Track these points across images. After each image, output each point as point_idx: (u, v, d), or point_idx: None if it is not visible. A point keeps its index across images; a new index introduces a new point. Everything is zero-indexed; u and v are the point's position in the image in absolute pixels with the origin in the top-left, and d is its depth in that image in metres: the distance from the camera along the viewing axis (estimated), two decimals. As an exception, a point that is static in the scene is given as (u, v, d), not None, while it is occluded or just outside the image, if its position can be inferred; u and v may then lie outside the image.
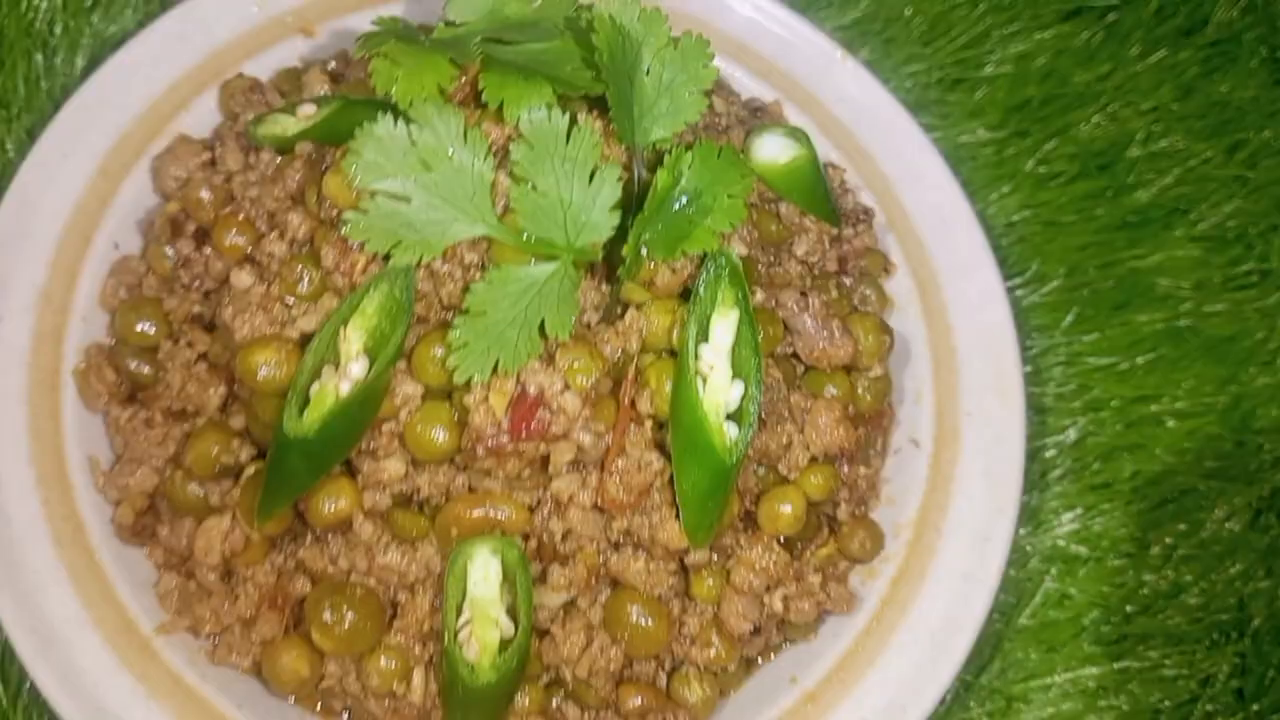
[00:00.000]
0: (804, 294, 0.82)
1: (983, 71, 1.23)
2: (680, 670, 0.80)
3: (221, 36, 0.93)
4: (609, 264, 0.73)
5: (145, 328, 0.81)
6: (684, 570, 0.79)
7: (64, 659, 0.74)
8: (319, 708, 0.79)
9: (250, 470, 0.75)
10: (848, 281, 0.89)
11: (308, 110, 0.80)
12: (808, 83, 1.00)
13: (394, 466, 0.72)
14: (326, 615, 0.73)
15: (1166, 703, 1.00)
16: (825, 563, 0.85)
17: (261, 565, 0.76)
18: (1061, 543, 1.04)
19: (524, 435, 0.70)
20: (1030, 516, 1.04)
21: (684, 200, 0.72)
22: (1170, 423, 1.10)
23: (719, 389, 0.73)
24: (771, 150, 0.86)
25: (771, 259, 0.85)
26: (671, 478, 0.74)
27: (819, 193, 0.87)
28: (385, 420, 0.72)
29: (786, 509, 0.79)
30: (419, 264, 0.69)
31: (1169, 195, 1.21)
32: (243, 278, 0.75)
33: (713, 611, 0.79)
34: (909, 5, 1.24)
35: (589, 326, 0.73)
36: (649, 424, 0.75)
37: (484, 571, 0.72)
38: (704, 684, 0.80)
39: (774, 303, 0.81)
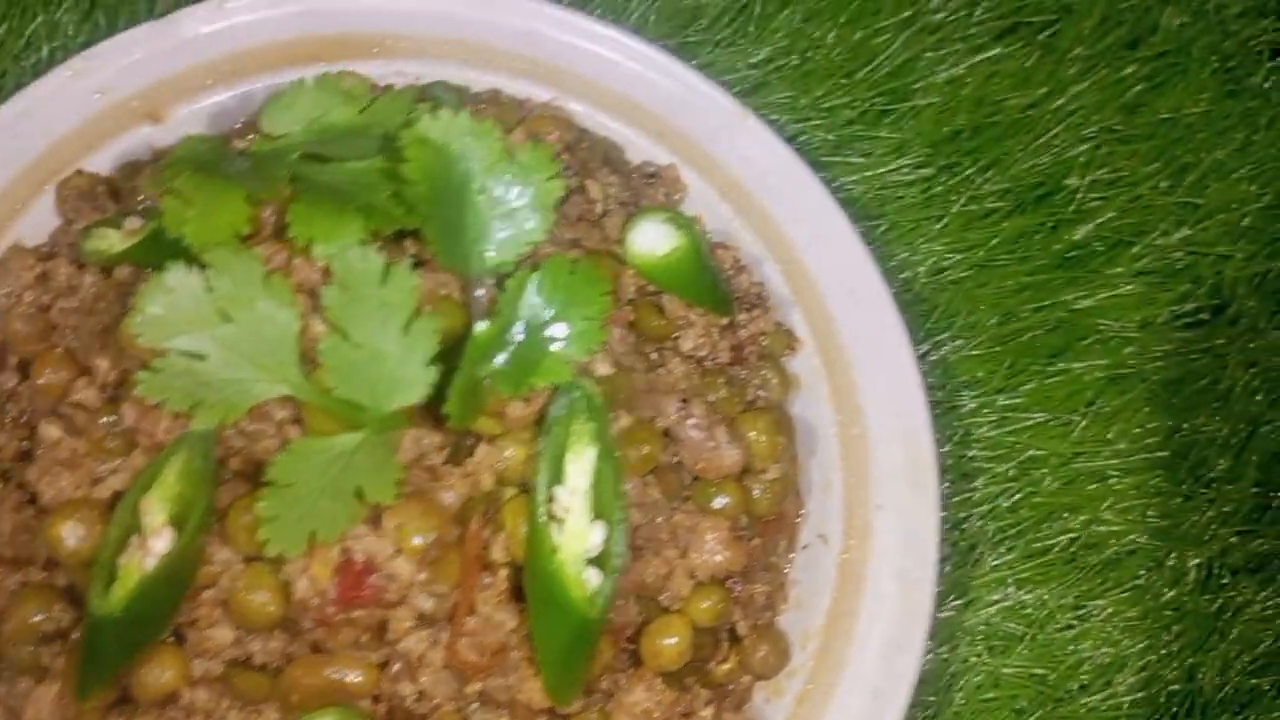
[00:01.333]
0: (685, 401, 0.75)
1: (910, 102, 1.15)
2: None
3: (61, 129, 0.86)
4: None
5: (-26, 465, 0.75)
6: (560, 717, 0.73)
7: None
8: None
9: (75, 635, 0.69)
10: (743, 373, 0.82)
11: (133, 224, 0.73)
12: (706, 144, 0.92)
13: (222, 635, 0.66)
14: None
15: (1110, 792, 0.94)
16: (726, 679, 0.79)
17: (96, 726, 0.70)
18: (996, 619, 0.98)
19: (354, 604, 0.64)
20: (961, 593, 0.98)
21: (534, 323, 0.65)
22: (1113, 479, 1.04)
23: (577, 535, 0.66)
24: (649, 240, 0.79)
25: (654, 357, 0.78)
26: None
27: (705, 282, 0.80)
28: (205, 588, 0.66)
29: (671, 642, 0.73)
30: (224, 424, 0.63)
31: (1111, 227, 1.13)
32: (51, 431, 0.68)
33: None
34: (830, 32, 1.16)
35: (431, 471, 0.66)
36: (504, 573, 0.68)
37: (328, 744, 0.66)
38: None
39: (654, 411, 0.75)
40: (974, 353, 1.06)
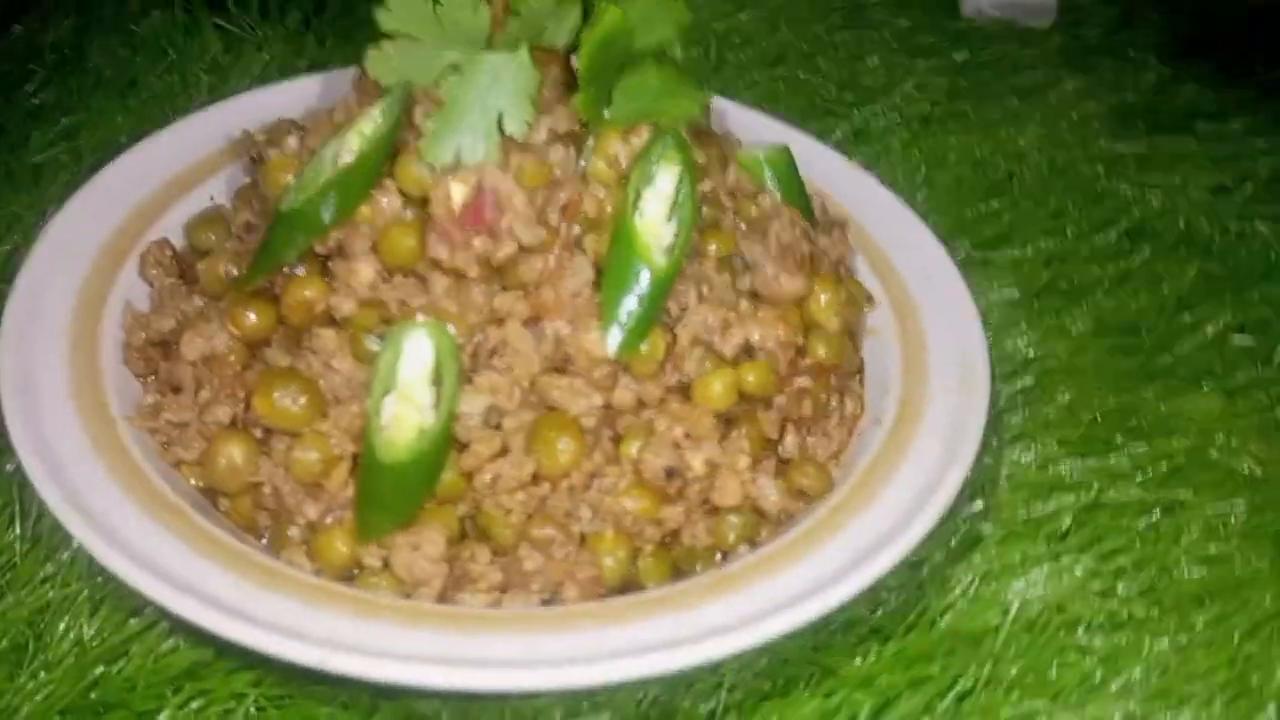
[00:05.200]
0: (764, 233, 0.91)
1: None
2: (599, 532, 0.80)
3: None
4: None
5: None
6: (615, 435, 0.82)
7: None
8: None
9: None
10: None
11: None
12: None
13: (365, 271, 0.82)
14: (276, 390, 0.80)
15: None
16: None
17: (233, 365, 0.84)
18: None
19: (473, 225, 0.80)
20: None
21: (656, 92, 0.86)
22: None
23: (655, 221, 0.82)
24: (753, 151, 1.00)
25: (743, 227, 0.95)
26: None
27: (793, 185, 0.99)
28: (363, 224, 0.84)
29: (717, 385, 0.83)
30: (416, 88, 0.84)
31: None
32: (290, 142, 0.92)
33: (634, 467, 0.81)
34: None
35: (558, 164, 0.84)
36: (593, 255, 0.83)
37: (416, 351, 0.78)
38: (620, 546, 0.79)
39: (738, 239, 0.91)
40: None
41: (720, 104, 1.15)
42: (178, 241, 0.99)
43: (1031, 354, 1.20)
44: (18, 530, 0.90)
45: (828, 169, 1.13)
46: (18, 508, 0.91)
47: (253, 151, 0.99)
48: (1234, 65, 1.63)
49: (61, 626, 0.85)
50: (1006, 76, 1.60)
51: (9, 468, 0.93)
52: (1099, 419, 1.14)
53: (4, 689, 0.82)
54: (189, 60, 1.43)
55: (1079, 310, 1.27)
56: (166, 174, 1.02)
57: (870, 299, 1.03)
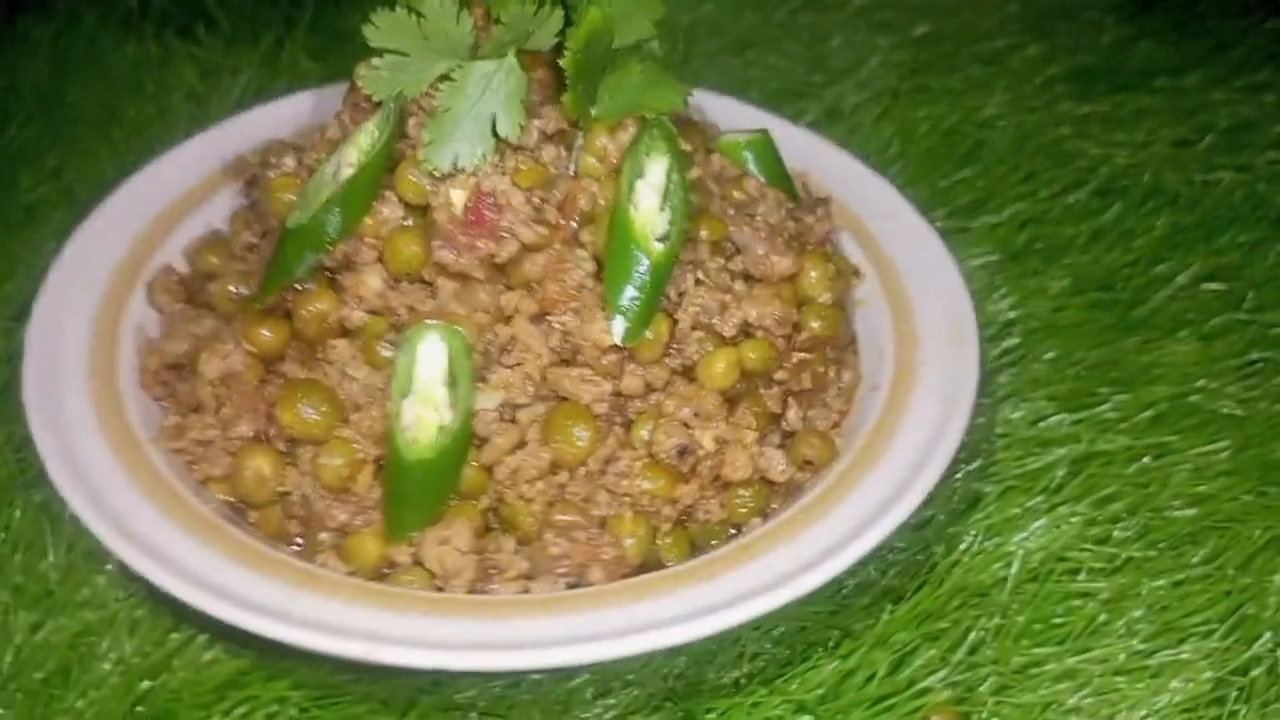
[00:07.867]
0: (752, 215, 0.94)
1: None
2: (618, 514, 0.83)
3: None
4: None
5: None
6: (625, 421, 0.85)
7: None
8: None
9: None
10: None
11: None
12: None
13: (372, 280, 0.85)
14: (298, 401, 0.83)
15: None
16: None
17: (251, 381, 0.87)
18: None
19: (477, 228, 0.82)
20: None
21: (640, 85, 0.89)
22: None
23: (650, 212, 0.85)
24: (734, 137, 1.03)
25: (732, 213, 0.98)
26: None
27: (775, 167, 1.02)
28: (367, 236, 0.86)
29: (720, 365, 0.87)
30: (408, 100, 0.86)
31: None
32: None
33: (647, 449, 0.84)
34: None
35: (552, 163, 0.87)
36: (591, 247, 0.86)
37: (430, 354, 0.81)
38: (639, 526, 0.82)
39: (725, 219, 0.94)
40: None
41: (695, 95, 1.18)
42: (180, 266, 1.01)
43: (1014, 315, 1.24)
44: (51, 558, 0.93)
45: (803, 148, 1.16)
46: (49, 538, 0.94)
47: (248, 174, 1.02)
48: (1187, 21, 1.68)
49: (104, 646, 0.88)
50: (967, 46, 1.64)
51: (36, 499, 0.95)
52: (1083, 373, 1.18)
53: (54, 709, 0.85)
54: (166, 90, 1.45)
55: (1056, 270, 1.31)
56: (165, 201, 1.04)
57: (857, 272, 1.06)
